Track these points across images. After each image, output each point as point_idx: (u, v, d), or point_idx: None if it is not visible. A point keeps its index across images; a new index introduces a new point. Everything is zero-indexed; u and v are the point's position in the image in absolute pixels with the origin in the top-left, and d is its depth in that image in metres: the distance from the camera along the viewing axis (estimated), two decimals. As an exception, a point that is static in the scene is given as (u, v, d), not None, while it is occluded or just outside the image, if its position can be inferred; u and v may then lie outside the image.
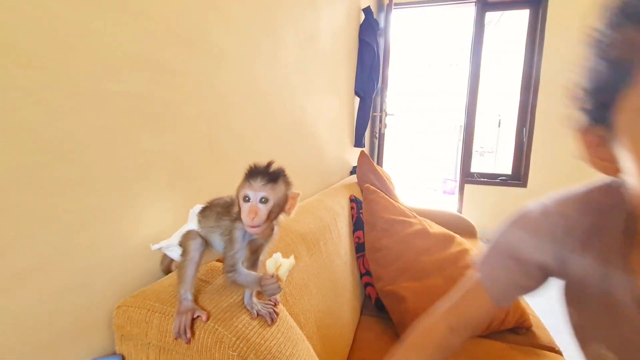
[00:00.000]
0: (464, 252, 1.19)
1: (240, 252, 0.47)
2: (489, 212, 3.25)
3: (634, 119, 0.28)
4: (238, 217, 0.46)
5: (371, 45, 2.20)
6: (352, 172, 2.20)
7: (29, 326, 0.40)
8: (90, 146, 0.45)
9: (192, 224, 0.50)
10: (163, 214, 0.58)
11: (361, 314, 1.16)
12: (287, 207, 0.47)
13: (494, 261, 0.50)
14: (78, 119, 0.44)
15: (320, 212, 1.09)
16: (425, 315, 0.56)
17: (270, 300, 0.52)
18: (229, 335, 0.43)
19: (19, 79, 0.37)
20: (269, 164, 0.44)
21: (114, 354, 0.48)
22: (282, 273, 0.45)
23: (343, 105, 1.98)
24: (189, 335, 0.43)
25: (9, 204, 0.37)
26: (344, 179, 1.90)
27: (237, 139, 0.81)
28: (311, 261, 0.86)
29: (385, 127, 2.96)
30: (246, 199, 0.43)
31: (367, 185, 1.34)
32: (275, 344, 0.45)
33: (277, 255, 0.46)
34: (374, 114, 2.89)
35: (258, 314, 0.48)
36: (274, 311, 0.49)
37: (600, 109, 0.32)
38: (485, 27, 3.41)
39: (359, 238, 1.31)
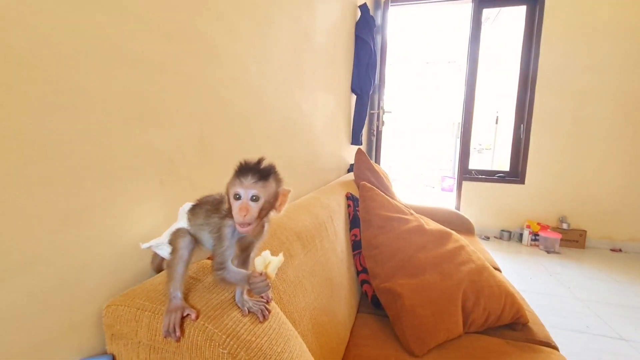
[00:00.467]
0: (461, 248, 1.19)
1: (230, 250, 0.46)
2: (487, 209, 3.26)
3: None
4: (227, 215, 0.46)
5: (367, 43, 2.19)
6: (350, 170, 2.20)
7: (16, 326, 0.40)
8: (78, 143, 0.45)
9: (182, 222, 0.50)
10: (153, 212, 0.57)
11: (358, 311, 1.16)
12: (277, 204, 0.46)
13: None
14: (65, 116, 0.43)
15: (316, 209, 1.09)
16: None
17: (262, 297, 0.51)
18: (219, 333, 0.43)
19: (3, 74, 0.36)
20: (260, 161, 0.44)
21: (104, 353, 0.47)
22: (271, 271, 0.45)
23: (339, 103, 1.98)
24: (178, 333, 0.42)
25: (-8, 202, 0.37)
26: (340, 177, 1.90)
27: (229, 136, 0.80)
28: (306, 259, 0.86)
29: (382, 125, 2.96)
30: (237, 196, 0.43)
31: (364, 182, 1.34)
32: (266, 341, 0.45)
33: (266, 253, 0.46)
34: (371, 111, 2.89)
35: (249, 311, 0.47)
36: (266, 308, 0.49)
37: None
38: (483, 23, 3.40)
39: (355, 235, 1.31)
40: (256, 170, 0.43)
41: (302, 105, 1.31)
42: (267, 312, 0.48)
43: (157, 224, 0.58)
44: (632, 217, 2.94)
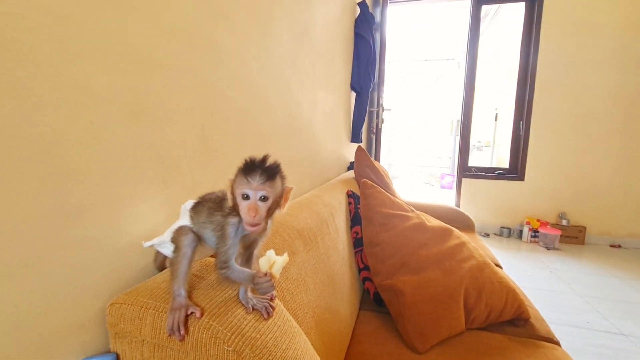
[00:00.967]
0: (462, 245, 1.19)
1: (233, 248, 0.46)
2: (487, 206, 3.26)
3: None
4: (230, 213, 0.45)
5: (367, 40, 2.19)
6: (350, 168, 2.19)
7: (19, 325, 0.39)
8: (81, 140, 0.44)
9: (184, 220, 0.50)
10: (155, 211, 0.57)
11: (359, 308, 1.16)
12: (281, 201, 0.46)
13: None
14: (67, 113, 0.43)
15: (318, 207, 1.08)
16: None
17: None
18: (224, 331, 0.42)
19: (3, 71, 0.36)
20: (265, 159, 0.44)
21: (108, 352, 0.47)
22: (276, 270, 0.45)
23: (339, 100, 1.97)
24: (182, 331, 0.42)
25: (-6, 200, 0.36)
26: (341, 175, 1.89)
27: (230, 133, 0.80)
28: (308, 256, 0.86)
29: (382, 122, 2.96)
30: (245, 196, 0.43)
31: (365, 180, 1.33)
32: (271, 338, 0.45)
33: (270, 253, 0.46)
34: (371, 109, 2.88)
35: (254, 309, 0.47)
36: (270, 305, 0.49)
37: None
38: (482, 20, 3.40)
39: (356, 233, 1.31)
40: (264, 170, 0.42)
41: (302, 102, 1.31)
42: (271, 310, 0.48)
43: (159, 222, 0.57)
44: (631, 213, 2.95)
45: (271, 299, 0.51)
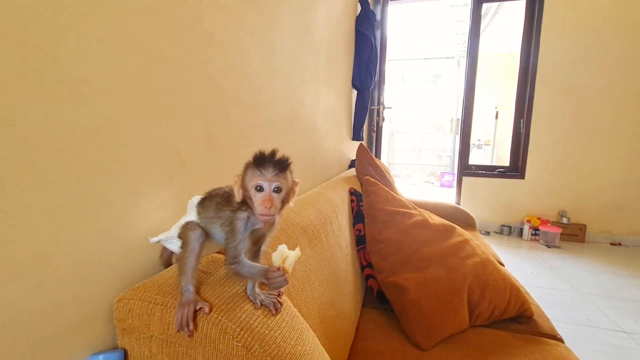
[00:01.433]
0: (465, 242, 1.19)
1: (243, 243, 0.46)
2: (487, 204, 3.27)
3: None
4: (239, 207, 0.45)
5: (368, 37, 2.18)
6: (351, 166, 2.19)
7: (26, 321, 0.39)
8: (87, 134, 0.44)
9: (191, 216, 0.49)
10: (161, 206, 0.57)
11: (363, 306, 1.16)
12: (290, 196, 0.46)
13: None
14: (73, 107, 0.42)
15: (321, 204, 1.08)
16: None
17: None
18: (233, 326, 0.42)
19: (6, 64, 0.36)
20: (275, 152, 0.44)
21: (116, 348, 0.47)
22: (288, 265, 0.44)
23: (341, 98, 1.97)
24: (191, 327, 0.42)
25: (3, 193, 0.36)
26: (342, 173, 1.89)
27: (234, 129, 0.79)
28: (313, 253, 0.86)
29: (382, 121, 2.95)
30: (259, 188, 0.42)
31: (367, 177, 1.33)
32: (280, 334, 0.44)
33: (283, 247, 0.45)
34: (371, 107, 2.88)
35: (261, 304, 0.47)
36: (278, 301, 0.48)
37: None
38: (482, 18, 3.39)
39: (359, 231, 1.31)
40: (276, 162, 0.43)
41: (305, 99, 1.30)
42: (279, 305, 0.48)
43: (164, 218, 0.57)
44: (632, 211, 2.96)
45: (278, 295, 0.50)
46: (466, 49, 3.27)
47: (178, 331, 0.42)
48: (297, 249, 0.46)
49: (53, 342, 0.42)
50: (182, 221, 0.49)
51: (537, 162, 3.12)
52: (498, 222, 3.26)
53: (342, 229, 1.17)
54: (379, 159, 3.02)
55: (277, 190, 0.43)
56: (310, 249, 0.85)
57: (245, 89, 0.84)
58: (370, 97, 2.51)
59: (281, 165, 0.43)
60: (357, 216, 1.34)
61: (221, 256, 0.56)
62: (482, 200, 3.27)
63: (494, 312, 1.03)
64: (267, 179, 0.42)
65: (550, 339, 1.00)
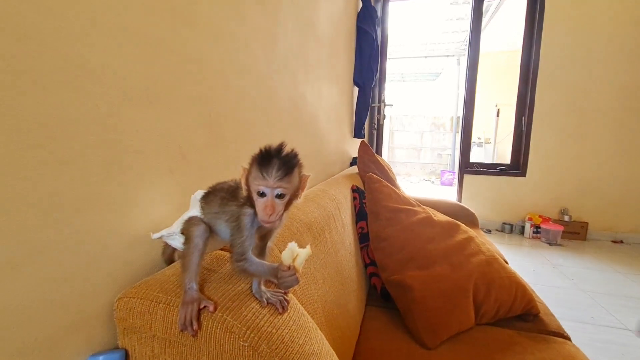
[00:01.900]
0: (470, 240, 1.17)
1: (250, 240, 0.44)
2: (489, 202, 3.25)
3: None
4: (245, 202, 0.43)
5: (370, 34, 2.16)
6: (352, 164, 2.17)
7: (22, 319, 0.37)
8: (86, 124, 0.42)
9: (195, 211, 0.48)
10: (162, 201, 0.55)
11: (366, 304, 1.14)
12: (299, 191, 0.44)
13: None
14: (72, 95, 0.40)
15: (324, 201, 1.06)
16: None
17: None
18: (239, 325, 0.40)
19: (5, 47, 0.34)
20: (281, 148, 0.41)
21: (117, 348, 0.45)
22: (299, 263, 0.42)
23: (342, 95, 1.95)
24: (195, 326, 0.40)
25: (-4, 187, 0.34)
26: (344, 170, 1.87)
27: (236, 123, 0.77)
28: (317, 250, 0.84)
29: (383, 118, 2.94)
30: (261, 193, 0.40)
31: (370, 174, 1.32)
32: (287, 333, 0.43)
33: (293, 245, 0.43)
34: (372, 104, 2.86)
35: (268, 302, 0.45)
36: (285, 299, 0.47)
37: None
38: (483, 15, 3.37)
39: (362, 228, 1.29)
40: (281, 164, 0.40)
41: (307, 95, 1.28)
42: (286, 303, 0.46)
43: (166, 213, 0.55)
44: (633, 208, 2.95)
45: (285, 292, 0.49)
46: (467, 47, 3.25)
47: (181, 331, 0.40)
48: (308, 247, 0.44)
49: (50, 342, 0.40)
50: (185, 216, 0.48)
51: (538, 159, 3.10)
52: (499, 220, 3.25)
53: (345, 226, 1.15)
54: (380, 156, 3.01)
55: (281, 195, 0.40)
56: (315, 246, 0.84)
57: (247, 82, 0.82)
58: (371, 95, 2.49)
59: (286, 167, 0.40)
60: (360, 214, 1.33)
61: (225, 253, 0.55)
62: (484, 198, 3.26)
63: (499, 310, 1.02)
64: (269, 185, 0.40)
65: (558, 337, 0.98)
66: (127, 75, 0.47)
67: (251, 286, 0.47)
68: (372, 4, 2.41)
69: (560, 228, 2.86)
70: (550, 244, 2.88)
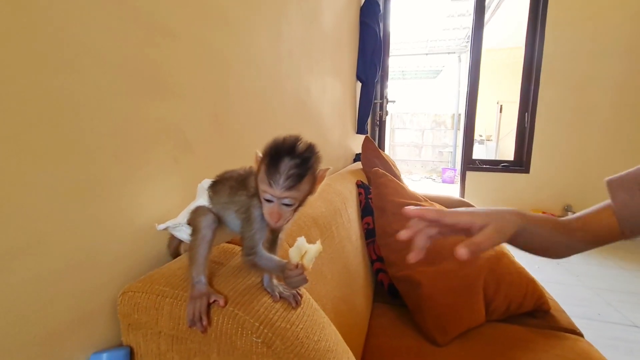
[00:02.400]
0: (478, 235, 1.15)
1: (260, 233, 0.41)
2: (491, 199, 3.23)
3: None
4: (256, 193, 0.41)
5: (373, 28, 2.13)
6: (355, 160, 2.15)
7: (20, 316, 0.35)
8: (89, 108, 0.39)
9: (202, 200, 0.45)
10: (167, 192, 0.52)
11: (373, 301, 1.12)
12: (315, 188, 0.41)
13: (629, 186, 0.48)
14: (75, 76, 0.38)
15: (330, 196, 1.04)
16: None
17: None
18: (251, 320, 0.38)
19: (4, 23, 0.31)
20: (296, 145, 0.36)
21: (121, 345, 0.43)
22: (308, 261, 0.39)
23: (346, 90, 1.92)
24: (205, 322, 0.38)
25: (-10, 171, 0.31)
26: (348, 166, 1.85)
27: (241, 113, 0.75)
28: (325, 246, 0.81)
29: (386, 115, 2.91)
30: (267, 198, 0.38)
31: (376, 168, 1.29)
32: (302, 329, 0.40)
33: (302, 241, 0.40)
34: (374, 101, 2.83)
35: (280, 297, 0.43)
36: (298, 293, 0.44)
37: None
38: (486, 10, 3.34)
39: (368, 224, 1.26)
40: (291, 171, 0.36)
41: (312, 88, 1.26)
42: (299, 298, 0.44)
43: (171, 205, 0.53)
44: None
45: (297, 287, 0.46)
46: (469, 43, 3.22)
47: (190, 326, 0.38)
48: (318, 243, 0.41)
49: (51, 339, 0.38)
50: (192, 206, 0.45)
51: (542, 156, 3.08)
52: (502, 217, 3.22)
53: (351, 221, 1.13)
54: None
55: (288, 203, 0.38)
56: (322, 241, 0.81)
57: (252, 72, 0.79)
58: (374, 91, 2.47)
59: (297, 175, 0.36)
60: (365, 209, 1.30)
61: (233, 247, 0.52)
62: (486, 195, 3.23)
63: (510, 307, 1.00)
64: (275, 195, 0.37)
65: (570, 333, 0.96)
66: (129, 56, 0.45)
67: (262, 280, 0.44)
68: None
69: (564, 225, 2.84)
70: (553, 241, 2.86)
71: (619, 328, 1.61)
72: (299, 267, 0.39)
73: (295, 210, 0.40)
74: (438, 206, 1.31)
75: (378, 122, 2.91)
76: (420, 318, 0.92)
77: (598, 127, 2.95)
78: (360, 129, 2.24)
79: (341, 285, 0.84)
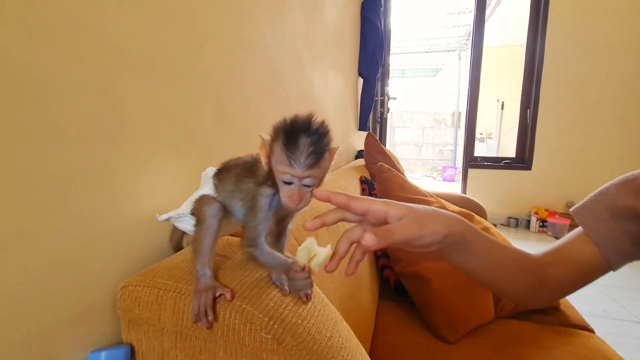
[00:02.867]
0: (486, 230, 1.13)
1: (264, 224, 0.39)
2: (494, 197, 3.21)
3: None
4: (265, 181, 0.38)
5: (374, 23, 2.11)
6: (357, 157, 2.12)
7: (12, 310, 0.32)
8: (85, 88, 0.37)
9: (207, 189, 0.43)
10: (168, 182, 0.50)
11: (379, 298, 1.10)
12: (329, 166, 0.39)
13: (601, 216, 0.45)
14: (71, 53, 0.35)
15: (335, 190, 1.02)
16: None
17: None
18: (260, 315, 0.35)
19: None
20: (310, 123, 0.34)
21: (121, 343, 0.40)
22: (315, 265, 0.37)
23: (347, 86, 1.90)
24: (211, 317, 0.35)
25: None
26: (350, 162, 1.83)
27: (245, 104, 0.72)
28: (331, 239, 0.79)
29: (387, 112, 2.89)
30: (287, 180, 0.35)
31: (381, 164, 1.27)
32: (313, 324, 0.38)
33: (312, 243, 0.38)
34: (376, 98, 2.81)
35: (290, 291, 0.40)
36: (308, 287, 0.42)
37: None
38: (487, 7, 3.31)
39: (372, 220, 1.24)
40: (311, 147, 0.33)
41: (314, 82, 1.23)
42: (309, 292, 0.41)
43: (172, 196, 0.50)
44: (640, 201, 2.90)
45: (307, 280, 0.44)
46: (470, 39, 3.20)
47: (195, 322, 0.35)
48: (329, 247, 0.38)
49: (45, 336, 0.35)
50: (195, 195, 0.42)
51: (544, 153, 3.06)
52: (505, 215, 3.21)
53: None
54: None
55: (309, 183, 0.35)
56: (329, 236, 0.79)
57: (256, 62, 0.77)
58: (375, 87, 2.44)
59: (318, 152, 0.34)
60: (370, 205, 1.28)
61: (236, 239, 0.50)
62: (488, 193, 3.21)
63: (519, 303, 0.97)
64: (297, 174, 0.34)
65: (581, 329, 0.94)
66: (131, 38, 0.42)
67: (270, 273, 0.42)
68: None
69: (567, 222, 2.82)
70: (557, 238, 2.84)
71: (626, 325, 1.59)
72: (306, 270, 0.36)
73: (311, 196, 0.37)
74: (444, 201, 1.29)
75: (379, 120, 2.89)
76: (429, 315, 0.90)
77: (600, 123, 2.93)
78: (362, 126, 2.22)
79: (348, 282, 0.81)
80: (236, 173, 0.41)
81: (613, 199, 0.44)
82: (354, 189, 1.23)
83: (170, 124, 0.50)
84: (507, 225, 3.18)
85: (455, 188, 3.63)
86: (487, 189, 3.22)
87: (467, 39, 5.85)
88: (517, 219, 3.15)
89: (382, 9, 2.42)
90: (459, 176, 3.89)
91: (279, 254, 0.39)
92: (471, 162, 3.26)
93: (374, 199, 0.39)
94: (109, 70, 0.40)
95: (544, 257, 0.47)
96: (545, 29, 2.93)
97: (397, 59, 6.87)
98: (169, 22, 0.49)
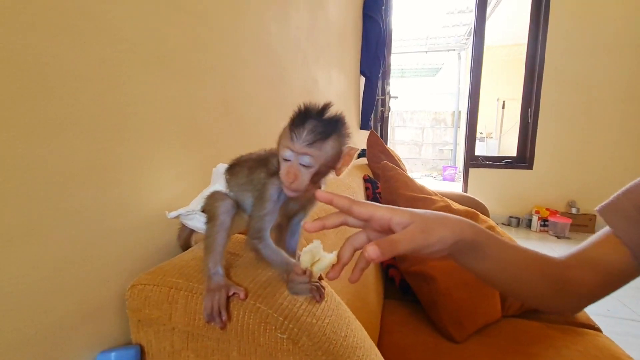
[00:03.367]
0: (491, 228, 1.12)
1: (271, 215, 0.37)
2: (495, 196, 3.20)
3: None
4: (276, 171, 0.37)
5: (376, 21, 2.10)
6: (360, 155, 2.11)
7: (18, 310, 0.31)
8: (90, 79, 0.36)
9: (218, 185, 0.42)
10: (175, 177, 0.49)
11: (384, 297, 1.09)
12: (339, 164, 0.38)
13: (631, 214, 0.42)
14: (73, 44, 0.34)
15: (340, 189, 1.01)
16: None
17: None
18: (275, 315, 0.35)
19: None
20: (324, 108, 0.34)
21: (130, 343, 0.39)
22: (317, 270, 0.35)
23: (350, 84, 1.89)
24: (224, 317, 0.34)
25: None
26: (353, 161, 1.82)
27: (250, 100, 0.71)
28: (337, 239, 0.78)
29: (389, 111, 2.88)
30: (286, 157, 0.34)
31: (385, 162, 1.26)
32: (328, 323, 0.37)
33: (317, 246, 0.36)
34: (377, 97, 2.80)
35: (303, 290, 0.39)
36: (321, 285, 0.41)
37: None
38: (488, 5, 3.31)
39: (376, 219, 1.23)
40: (315, 127, 0.33)
41: (318, 79, 1.22)
42: (322, 291, 0.40)
43: (180, 192, 0.49)
44: (641, 200, 2.90)
45: (320, 279, 0.43)
46: (469, 40, 3.20)
47: (208, 322, 0.34)
48: (334, 254, 0.37)
49: (52, 336, 0.34)
50: (206, 192, 0.41)
51: (545, 152, 3.06)
52: (506, 214, 3.21)
53: (360, 216, 1.09)
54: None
55: (307, 163, 0.34)
56: (335, 234, 0.78)
57: (261, 58, 0.76)
58: (377, 86, 2.43)
59: (320, 132, 0.33)
60: (374, 204, 1.27)
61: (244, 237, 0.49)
62: (489, 192, 3.21)
63: (542, 308, 0.97)
64: (294, 149, 0.33)
65: (588, 328, 0.93)
66: (137, 29, 0.41)
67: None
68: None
69: (568, 221, 2.82)
70: (558, 237, 2.84)
71: (630, 324, 1.59)
72: (307, 274, 0.35)
73: (313, 179, 0.36)
74: (448, 200, 1.28)
75: (380, 119, 2.88)
76: (436, 314, 0.89)
77: (602, 122, 2.93)
78: (364, 125, 2.21)
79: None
80: (249, 166, 0.40)
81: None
82: (358, 187, 1.22)
83: (177, 119, 0.49)
84: (509, 224, 3.18)
85: (455, 187, 3.63)
86: (488, 188, 3.22)
87: (467, 39, 5.84)
88: (518, 218, 3.14)
89: (383, 7, 2.41)
90: (459, 176, 3.89)
91: (283, 252, 0.38)
92: (472, 161, 3.26)
93: (378, 204, 0.37)
94: (115, 62, 0.39)
95: (568, 259, 0.45)
96: (546, 28, 2.93)
97: (397, 59, 6.86)
98: (177, 16, 0.48)
